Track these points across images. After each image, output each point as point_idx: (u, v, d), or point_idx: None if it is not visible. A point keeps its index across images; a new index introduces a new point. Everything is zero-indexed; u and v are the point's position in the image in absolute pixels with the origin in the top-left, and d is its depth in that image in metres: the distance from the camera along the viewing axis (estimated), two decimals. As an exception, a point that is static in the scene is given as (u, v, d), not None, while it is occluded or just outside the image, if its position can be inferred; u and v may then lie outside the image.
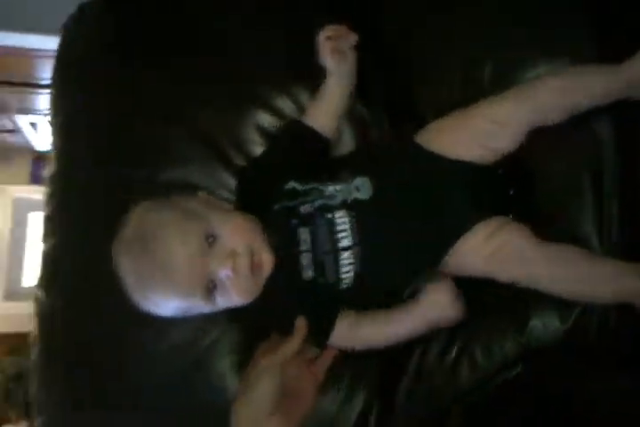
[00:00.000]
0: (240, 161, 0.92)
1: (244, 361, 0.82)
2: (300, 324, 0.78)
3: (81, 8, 1.01)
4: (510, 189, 0.87)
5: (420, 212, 0.81)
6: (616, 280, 0.74)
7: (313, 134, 0.88)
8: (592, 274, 0.75)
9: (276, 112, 0.93)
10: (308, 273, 0.79)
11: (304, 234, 0.79)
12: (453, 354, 0.83)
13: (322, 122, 0.88)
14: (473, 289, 0.81)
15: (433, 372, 0.82)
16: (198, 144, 0.93)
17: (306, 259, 0.79)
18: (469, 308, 0.81)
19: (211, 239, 0.74)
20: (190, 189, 0.88)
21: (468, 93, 0.86)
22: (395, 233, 0.80)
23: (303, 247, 0.79)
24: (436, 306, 0.79)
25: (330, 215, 0.79)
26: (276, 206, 0.81)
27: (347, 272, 0.79)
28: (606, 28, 0.84)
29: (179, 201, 0.80)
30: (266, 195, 0.83)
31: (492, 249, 0.78)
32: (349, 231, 0.78)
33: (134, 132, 0.94)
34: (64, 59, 1.02)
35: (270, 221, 0.80)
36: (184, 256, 0.72)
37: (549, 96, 0.79)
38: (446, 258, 0.80)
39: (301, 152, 0.88)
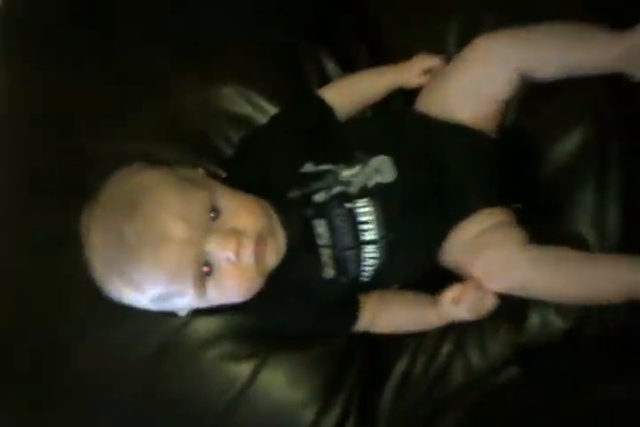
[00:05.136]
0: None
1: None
2: None
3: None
4: (520, 170, 0.78)
5: (435, 191, 0.71)
6: (615, 277, 0.66)
7: (328, 112, 0.79)
8: (588, 275, 0.67)
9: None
10: (330, 272, 0.69)
11: (320, 227, 0.68)
12: (444, 356, 0.76)
13: (340, 101, 0.81)
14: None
15: (420, 378, 0.74)
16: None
17: (325, 256, 0.68)
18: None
19: (213, 214, 0.62)
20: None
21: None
22: (417, 218, 0.70)
23: (321, 242, 0.68)
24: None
25: (350, 205, 0.68)
26: (290, 193, 0.69)
27: (370, 266, 0.70)
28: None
29: (175, 168, 0.67)
30: (276, 177, 0.71)
31: (475, 250, 0.69)
32: (374, 223, 0.68)
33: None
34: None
35: (283, 210, 0.69)
36: (183, 227, 0.59)
37: (549, 38, 0.71)
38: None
39: (312, 129, 0.77)
